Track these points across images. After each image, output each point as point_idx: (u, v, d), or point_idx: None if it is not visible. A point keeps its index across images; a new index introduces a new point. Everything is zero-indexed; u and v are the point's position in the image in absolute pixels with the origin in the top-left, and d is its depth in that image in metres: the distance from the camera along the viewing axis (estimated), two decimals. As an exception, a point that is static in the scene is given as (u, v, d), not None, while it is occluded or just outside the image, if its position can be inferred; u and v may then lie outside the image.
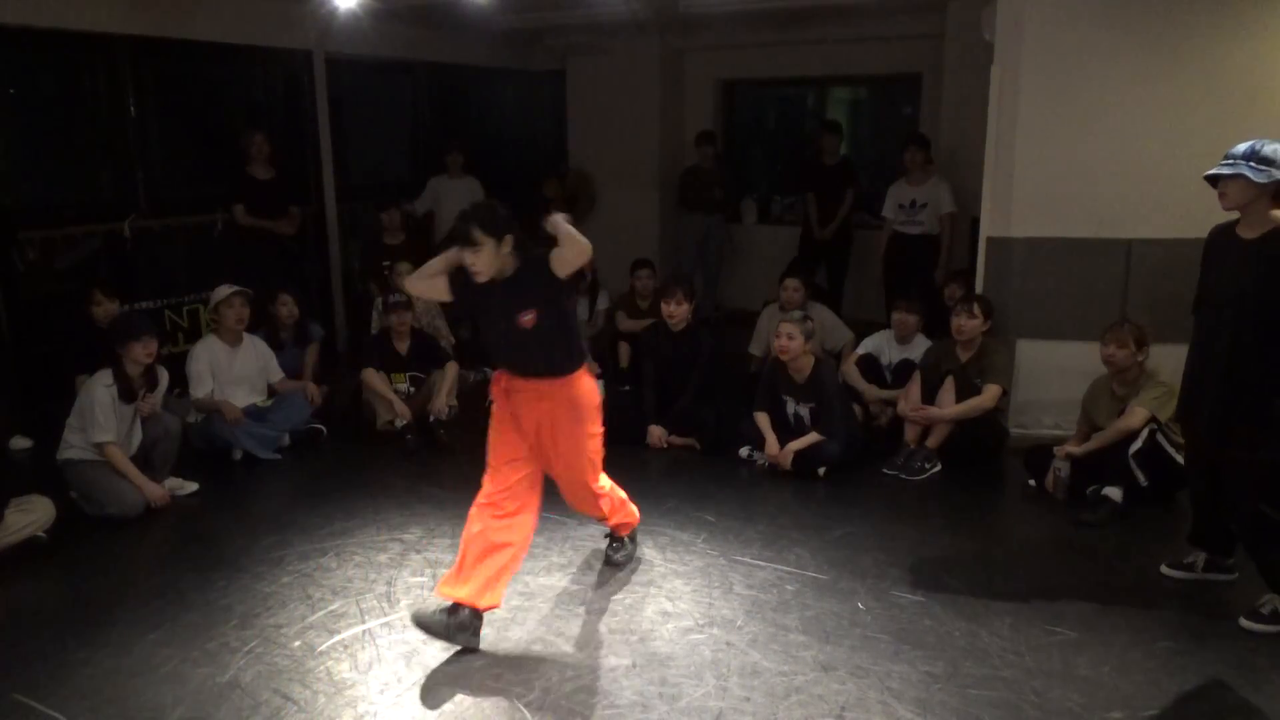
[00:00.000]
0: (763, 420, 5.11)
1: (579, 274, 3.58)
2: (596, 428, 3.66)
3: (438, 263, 3.48)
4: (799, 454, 4.95)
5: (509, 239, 3.34)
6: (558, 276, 3.38)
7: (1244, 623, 3.46)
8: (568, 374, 3.50)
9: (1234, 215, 3.44)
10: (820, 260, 8.04)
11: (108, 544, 4.28)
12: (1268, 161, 3.24)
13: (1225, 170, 3.31)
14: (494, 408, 3.64)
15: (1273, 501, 3.36)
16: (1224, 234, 3.50)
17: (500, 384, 3.58)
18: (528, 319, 3.36)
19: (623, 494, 3.99)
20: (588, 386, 3.59)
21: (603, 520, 3.97)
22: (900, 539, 4.23)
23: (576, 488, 3.75)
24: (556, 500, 4.68)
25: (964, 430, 5.06)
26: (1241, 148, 3.30)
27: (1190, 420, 3.67)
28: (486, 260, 3.31)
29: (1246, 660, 3.26)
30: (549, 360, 3.46)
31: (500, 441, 3.58)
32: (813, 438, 4.97)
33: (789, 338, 4.97)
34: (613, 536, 4.07)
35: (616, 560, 4.01)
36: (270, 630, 3.47)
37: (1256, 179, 3.24)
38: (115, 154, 6.37)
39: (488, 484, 3.53)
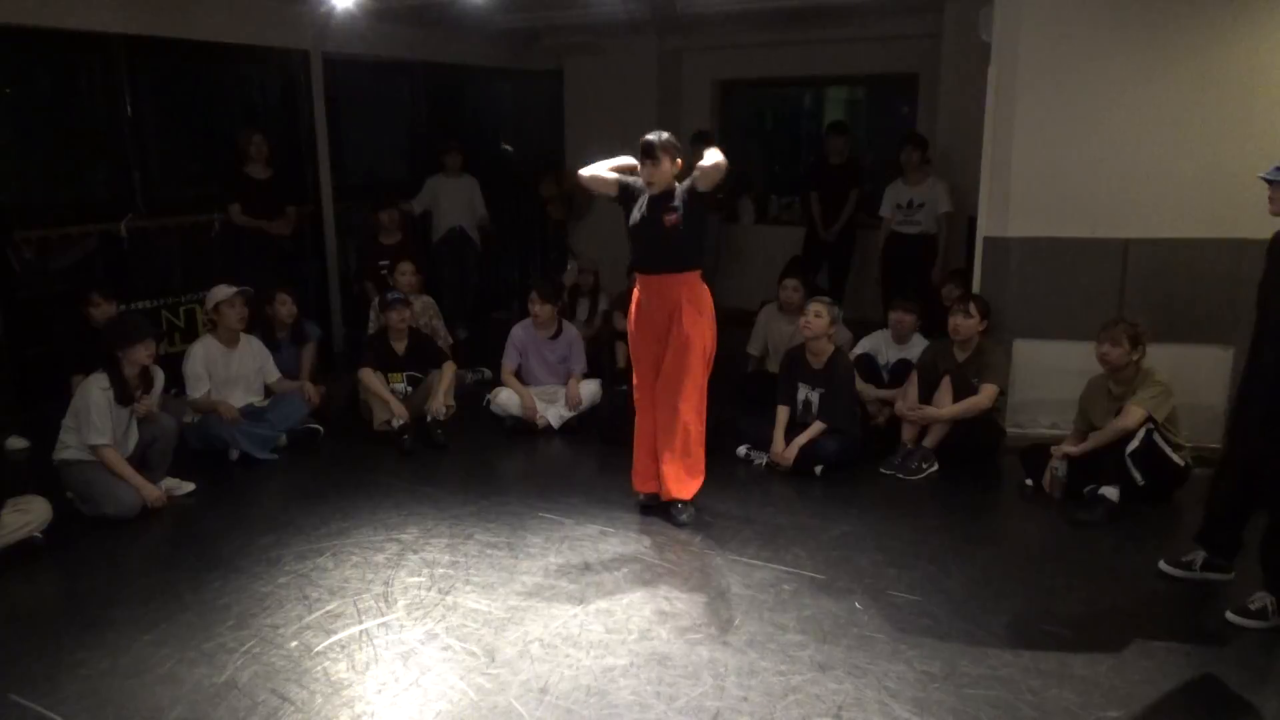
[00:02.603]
0: (781, 415, 5.12)
1: (710, 194, 4.30)
2: (711, 328, 4.37)
3: (611, 165, 4.37)
4: (800, 448, 4.96)
5: (679, 161, 4.25)
6: (698, 190, 4.19)
7: (1231, 617, 3.48)
8: (691, 270, 4.32)
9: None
10: (824, 260, 8.04)
11: (104, 544, 4.28)
12: None
13: (1272, 176, 3.34)
14: (630, 316, 4.49)
15: None
16: (1277, 239, 3.48)
17: (637, 289, 4.44)
18: (671, 219, 4.21)
19: (701, 456, 4.45)
20: (697, 285, 4.34)
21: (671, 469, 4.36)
22: (897, 539, 4.23)
23: (674, 384, 4.30)
24: (555, 500, 4.70)
25: (961, 430, 5.07)
26: None
27: (1238, 424, 3.60)
28: (663, 174, 4.21)
29: (1244, 659, 3.26)
30: (678, 257, 4.28)
31: (638, 354, 4.50)
32: (817, 428, 4.99)
33: (816, 315, 5.04)
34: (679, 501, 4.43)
35: (682, 521, 4.38)
36: (267, 630, 3.47)
37: None
38: (111, 154, 6.36)
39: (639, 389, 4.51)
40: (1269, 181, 3.37)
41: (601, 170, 4.39)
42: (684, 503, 4.41)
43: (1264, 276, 3.52)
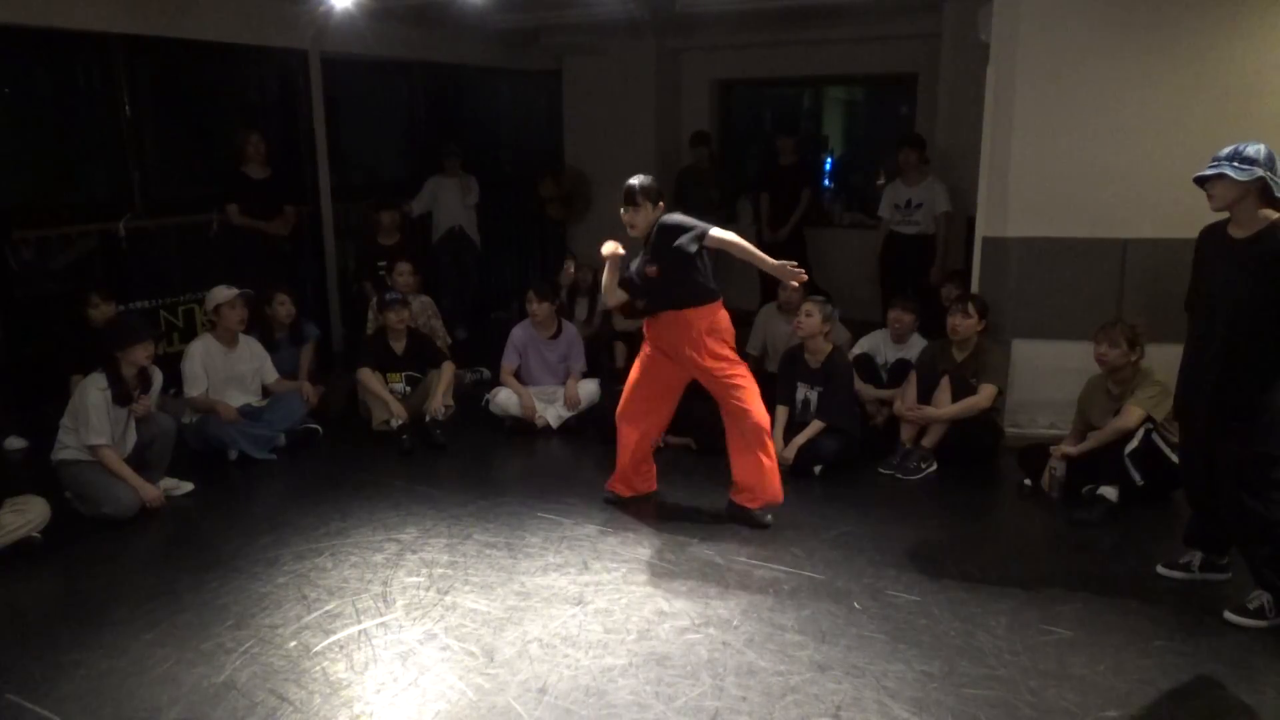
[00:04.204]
0: (781, 415, 5.13)
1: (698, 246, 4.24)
2: (724, 351, 4.29)
3: (608, 277, 4.42)
4: (799, 448, 4.96)
5: (660, 205, 4.26)
6: (682, 246, 4.15)
7: (1229, 616, 3.48)
8: (693, 307, 4.24)
9: (1223, 216, 3.48)
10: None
11: (102, 544, 4.27)
12: (1250, 161, 3.30)
13: (1209, 171, 3.38)
14: (643, 346, 4.49)
15: (1260, 496, 3.38)
16: (1214, 234, 3.55)
17: (648, 323, 4.43)
18: (651, 270, 4.24)
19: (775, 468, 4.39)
20: (713, 318, 4.28)
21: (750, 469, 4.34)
22: (896, 539, 4.23)
23: (727, 403, 4.29)
24: (553, 500, 4.70)
25: (960, 430, 5.07)
26: (1225, 150, 3.37)
27: (1187, 418, 3.68)
28: (643, 218, 4.22)
29: (1242, 660, 3.26)
30: (674, 298, 4.25)
31: (649, 369, 4.46)
32: (816, 427, 4.99)
33: (807, 315, 5.07)
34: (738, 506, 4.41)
35: (767, 521, 4.35)
36: (266, 631, 3.47)
37: (1239, 177, 3.30)
38: (110, 153, 6.36)
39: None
40: (1203, 181, 3.40)
41: (611, 287, 4.42)
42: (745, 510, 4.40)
43: (1198, 268, 3.61)
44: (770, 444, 4.33)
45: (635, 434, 4.56)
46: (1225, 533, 3.68)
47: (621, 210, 4.27)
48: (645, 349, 4.48)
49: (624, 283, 4.41)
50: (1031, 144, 5.22)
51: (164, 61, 6.62)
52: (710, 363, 4.24)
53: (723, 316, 4.32)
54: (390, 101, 8.54)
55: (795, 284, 4.16)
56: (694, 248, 4.15)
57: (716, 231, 4.17)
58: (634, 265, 4.37)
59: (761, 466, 4.30)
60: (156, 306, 6.53)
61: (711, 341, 4.25)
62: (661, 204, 4.28)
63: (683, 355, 4.28)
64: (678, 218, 4.23)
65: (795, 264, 4.08)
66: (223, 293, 5.40)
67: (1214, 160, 3.38)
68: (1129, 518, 4.41)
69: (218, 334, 5.45)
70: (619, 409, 4.58)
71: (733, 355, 4.34)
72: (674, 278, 4.21)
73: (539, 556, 4.07)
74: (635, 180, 4.26)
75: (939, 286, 6.38)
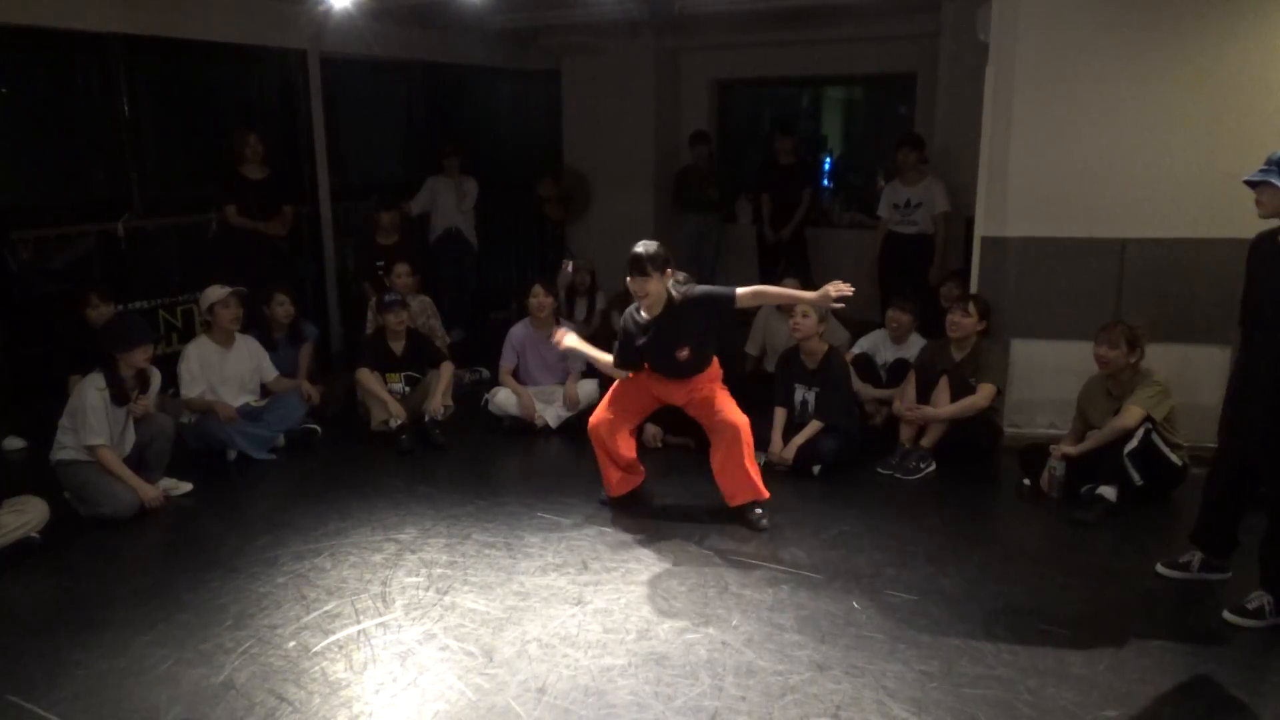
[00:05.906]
0: (779, 417, 5.13)
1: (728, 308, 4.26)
2: (714, 384, 4.44)
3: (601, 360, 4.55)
4: (798, 448, 4.96)
5: (668, 272, 4.17)
6: (712, 316, 4.22)
7: (1228, 616, 3.48)
8: (703, 372, 4.39)
9: (1272, 223, 3.42)
10: (777, 262, 8.05)
11: (102, 545, 4.27)
12: None
13: (1256, 177, 3.31)
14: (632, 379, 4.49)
15: None
16: (1265, 243, 3.45)
17: (645, 372, 4.45)
18: (683, 355, 4.24)
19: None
20: (712, 373, 4.43)
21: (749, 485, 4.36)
22: (895, 538, 4.24)
23: (709, 419, 4.38)
24: (553, 500, 4.70)
25: (959, 430, 5.07)
26: (1278, 153, 3.29)
27: (1235, 424, 3.56)
28: (654, 288, 4.14)
29: (1240, 659, 3.27)
30: (694, 369, 4.34)
31: (634, 393, 4.51)
32: (814, 427, 4.99)
33: (803, 316, 5.05)
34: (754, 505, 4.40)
35: (763, 525, 4.32)
36: (265, 631, 3.47)
37: None
38: (109, 153, 6.36)
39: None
40: (1251, 185, 3.35)
41: (606, 364, 4.51)
42: (761, 507, 4.39)
43: (1251, 278, 3.51)
44: (748, 444, 4.34)
45: (617, 440, 4.50)
46: (1234, 536, 3.67)
47: (628, 279, 4.17)
48: (624, 386, 4.53)
49: (628, 356, 4.41)
50: (1031, 144, 5.22)
51: (163, 61, 6.62)
52: (695, 395, 4.40)
53: (716, 368, 4.48)
54: (389, 101, 8.54)
55: (850, 291, 4.11)
56: (731, 317, 4.26)
57: (741, 290, 4.18)
58: (640, 341, 4.31)
59: (742, 467, 4.33)
60: (155, 307, 6.53)
61: (706, 383, 4.41)
62: (669, 270, 4.18)
63: (674, 400, 4.47)
64: (700, 290, 4.23)
65: (839, 284, 4.11)
66: (216, 292, 5.39)
67: (1267, 164, 3.30)
68: (1128, 518, 4.41)
69: (213, 334, 5.44)
70: (595, 424, 4.54)
71: (720, 378, 4.51)
72: (702, 352, 4.29)
73: (538, 556, 4.07)
74: (641, 248, 4.14)
75: (938, 286, 6.38)
